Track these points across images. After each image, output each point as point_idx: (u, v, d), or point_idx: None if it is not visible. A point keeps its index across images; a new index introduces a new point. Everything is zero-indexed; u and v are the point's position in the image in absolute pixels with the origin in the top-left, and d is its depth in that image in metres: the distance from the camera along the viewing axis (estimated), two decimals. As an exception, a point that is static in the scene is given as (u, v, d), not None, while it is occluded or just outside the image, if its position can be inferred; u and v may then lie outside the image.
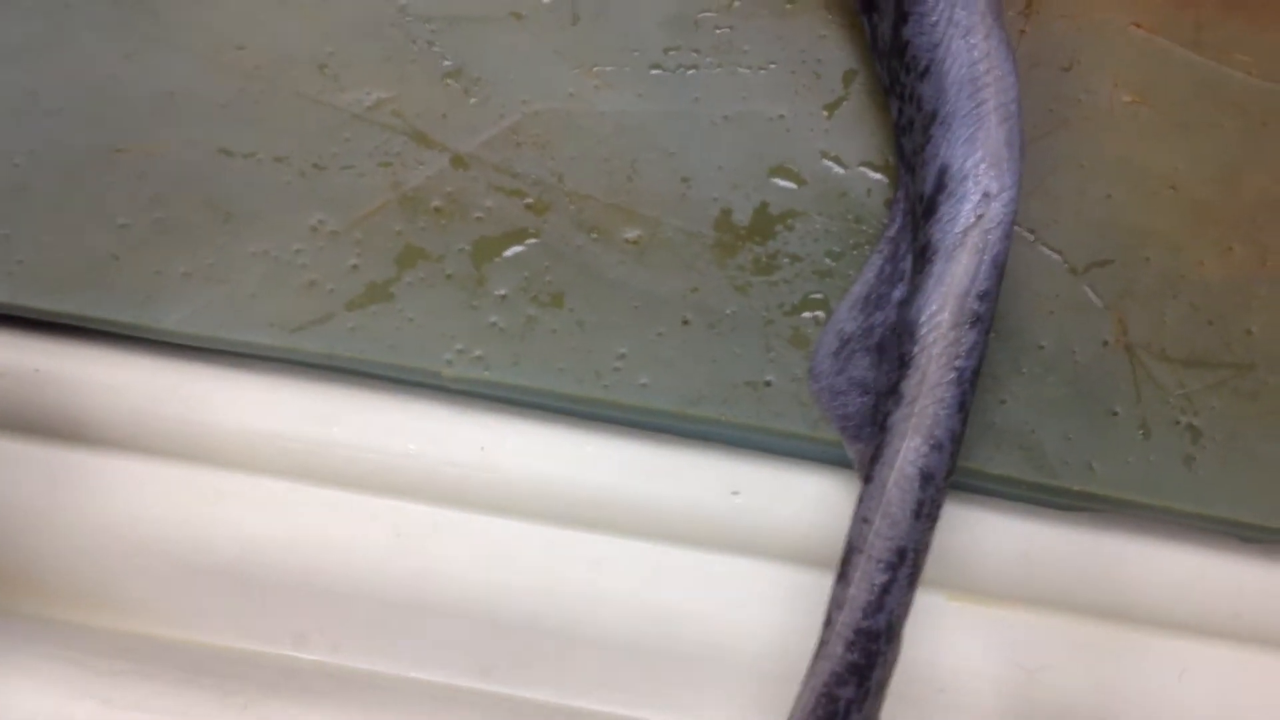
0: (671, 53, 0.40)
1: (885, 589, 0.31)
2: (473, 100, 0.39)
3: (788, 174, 0.39)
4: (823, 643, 0.32)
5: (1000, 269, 0.32)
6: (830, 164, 0.39)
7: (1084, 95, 0.40)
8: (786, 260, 0.38)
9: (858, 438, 0.35)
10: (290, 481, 0.37)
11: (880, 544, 0.31)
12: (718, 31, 0.40)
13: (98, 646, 0.36)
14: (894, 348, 0.33)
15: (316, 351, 0.36)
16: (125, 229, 0.37)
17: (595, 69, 0.40)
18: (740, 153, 0.39)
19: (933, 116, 0.34)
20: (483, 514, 0.37)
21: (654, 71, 0.40)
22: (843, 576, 0.32)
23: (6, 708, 0.35)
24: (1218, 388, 0.37)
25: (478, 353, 0.36)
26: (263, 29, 0.40)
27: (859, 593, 0.31)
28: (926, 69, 0.35)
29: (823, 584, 0.33)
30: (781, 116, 0.39)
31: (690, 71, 0.40)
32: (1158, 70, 0.40)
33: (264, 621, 0.37)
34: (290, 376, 0.37)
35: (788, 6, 0.40)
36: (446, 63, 0.39)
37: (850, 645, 0.31)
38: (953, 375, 0.32)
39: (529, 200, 0.38)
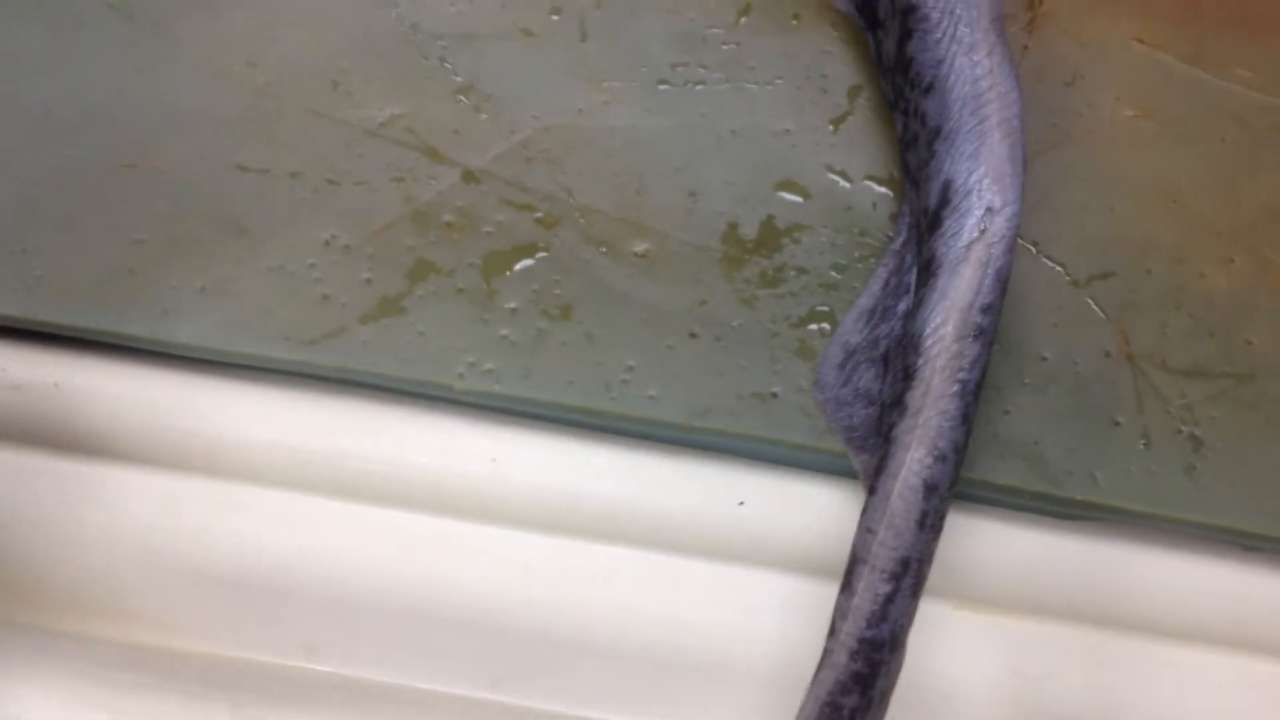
0: (679, 68, 0.40)
1: (889, 599, 0.32)
2: (484, 116, 0.39)
3: (794, 188, 0.39)
4: (827, 652, 0.32)
5: (1003, 282, 0.33)
6: (836, 178, 0.39)
7: (1086, 110, 0.40)
8: (793, 273, 0.38)
9: (863, 449, 0.35)
10: (302, 494, 0.37)
11: (884, 554, 0.32)
12: (724, 48, 0.40)
13: (109, 658, 0.37)
14: (899, 360, 0.34)
15: (329, 365, 0.37)
16: (140, 244, 0.38)
17: (604, 85, 0.40)
18: (747, 167, 0.39)
19: (937, 132, 0.35)
20: (493, 525, 0.37)
21: (662, 87, 0.40)
22: (847, 586, 0.32)
23: None
24: (1219, 398, 0.37)
25: (488, 366, 0.37)
26: (274, 46, 0.40)
27: (863, 602, 0.32)
28: (930, 85, 0.35)
29: (828, 594, 0.33)
30: (787, 131, 0.40)
31: (698, 87, 0.40)
32: (1160, 85, 0.40)
33: (275, 633, 0.37)
34: (303, 390, 0.38)
35: (793, 23, 0.41)
36: (458, 79, 0.40)
37: (854, 654, 0.32)
38: (956, 387, 0.32)
39: (539, 214, 0.38)
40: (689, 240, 0.38)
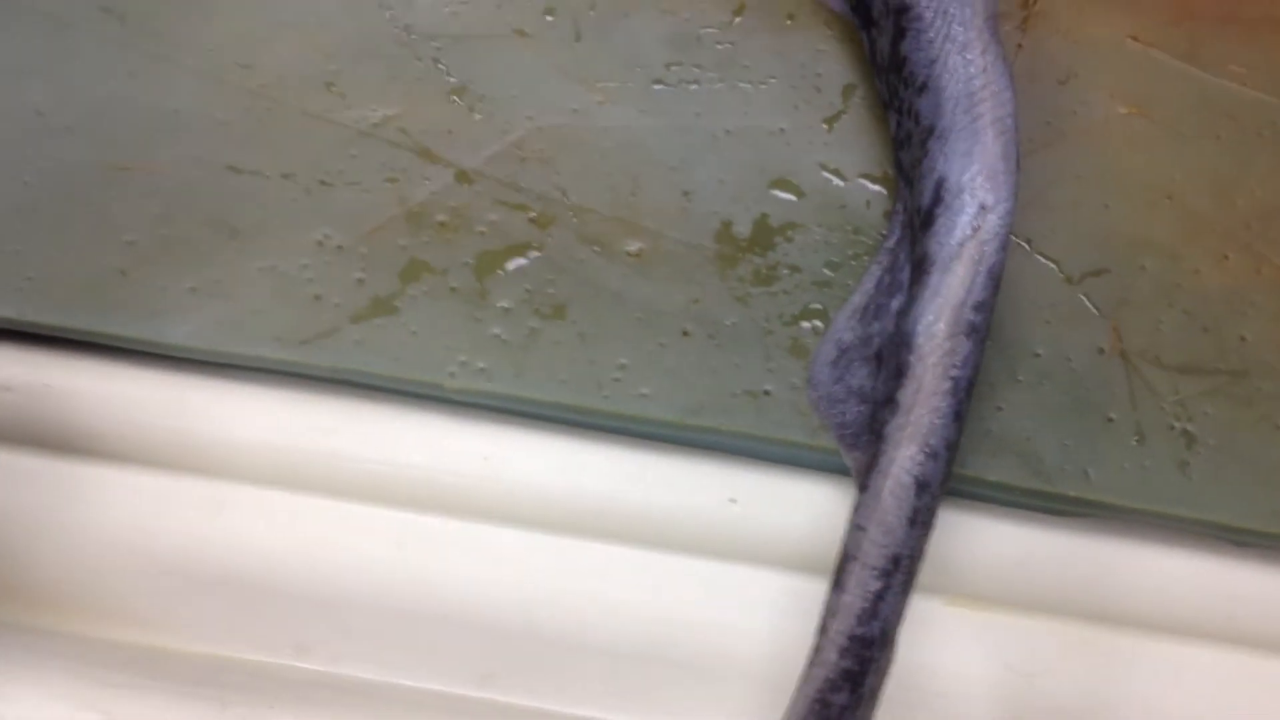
0: (673, 68, 0.40)
1: (879, 596, 0.32)
2: (477, 116, 0.40)
3: (788, 186, 0.39)
4: (817, 649, 0.32)
5: (996, 280, 0.33)
6: (829, 176, 0.39)
7: (1080, 108, 0.40)
8: (786, 271, 0.38)
9: (855, 446, 0.35)
10: (294, 493, 0.37)
11: (875, 551, 0.32)
12: (719, 47, 0.40)
13: (101, 658, 0.37)
14: (891, 357, 0.34)
15: (322, 365, 0.37)
16: (132, 245, 0.38)
17: (598, 85, 0.40)
18: (741, 166, 0.39)
19: (930, 130, 0.35)
20: (485, 523, 0.37)
21: (656, 87, 0.40)
22: (838, 584, 0.32)
23: None
24: (1212, 394, 0.37)
25: (481, 364, 0.37)
26: (267, 47, 0.40)
27: (853, 600, 0.32)
28: (924, 84, 0.35)
29: (819, 591, 0.33)
30: (782, 130, 0.40)
31: (692, 87, 0.40)
32: (1154, 83, 0.40)
33: (266, 632, 0.37)
34: (295, 389, 0.38)
35: (787, 22, 0.41)
36: (451, 80, 0.40)
37: (844, 652, 0.32)
38: (948, 385, 0.32)
39: (532, 214, 0.38)
40: (683, 239, 0.38)
